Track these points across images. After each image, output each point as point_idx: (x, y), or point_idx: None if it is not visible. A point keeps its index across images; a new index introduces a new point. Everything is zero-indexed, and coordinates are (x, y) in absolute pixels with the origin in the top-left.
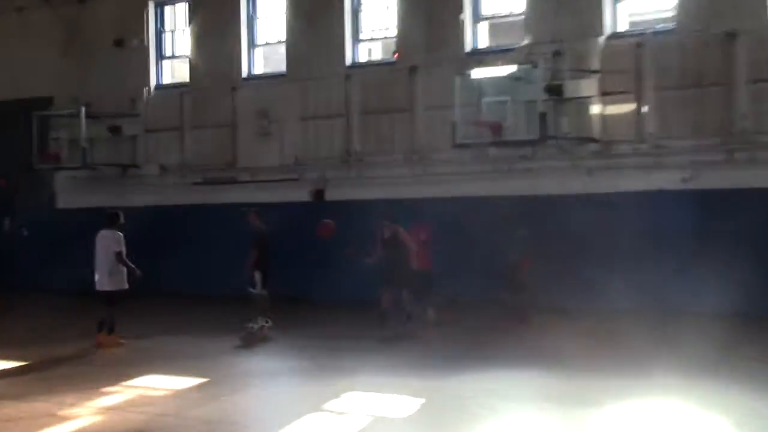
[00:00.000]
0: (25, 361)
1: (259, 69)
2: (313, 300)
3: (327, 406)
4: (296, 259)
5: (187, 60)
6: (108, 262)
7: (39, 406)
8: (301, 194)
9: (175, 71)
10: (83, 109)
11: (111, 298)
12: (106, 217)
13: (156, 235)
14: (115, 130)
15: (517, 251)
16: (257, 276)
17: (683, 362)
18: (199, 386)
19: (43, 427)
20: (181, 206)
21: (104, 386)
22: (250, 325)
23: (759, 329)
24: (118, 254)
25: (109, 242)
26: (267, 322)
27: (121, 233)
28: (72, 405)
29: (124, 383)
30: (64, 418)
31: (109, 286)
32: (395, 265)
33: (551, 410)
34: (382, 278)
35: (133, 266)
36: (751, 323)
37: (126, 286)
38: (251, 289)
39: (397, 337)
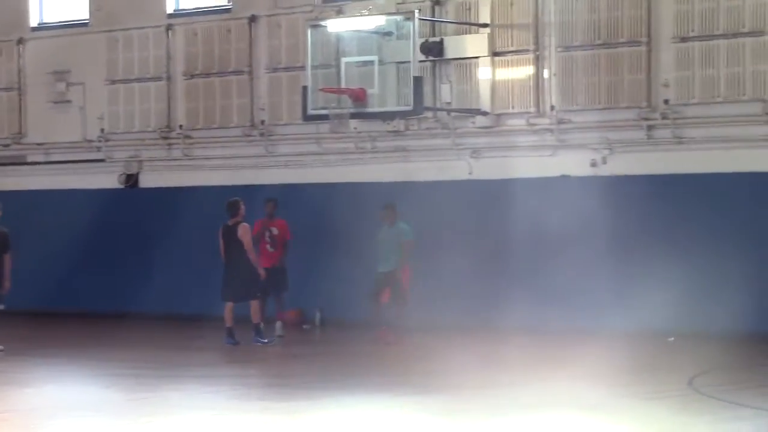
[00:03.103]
0: None
1: (53, 16)
2: (130, 314)
3: None
4: (103, 263)
5: None
6: None
7: None
8: (108, 179)
9: None
10: None
11: None
12: None
13: None
14: None
15: (395, 258)
16: None
17: None
18: None
19: None
20: None
21: None
22: None
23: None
24: None
25: None
26: None
27: None
28: None
29: None
30: None
31: None
32: (235, 272)
33: None
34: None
35: None
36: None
37: None
38: None
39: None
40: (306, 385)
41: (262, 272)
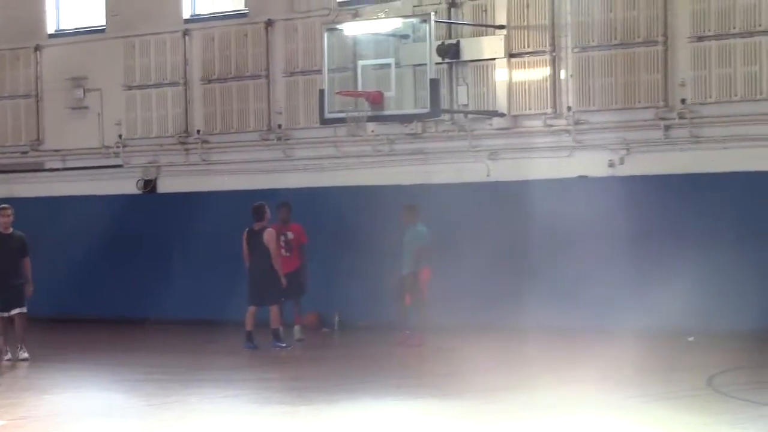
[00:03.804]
0: None
1: (70, 22)
2: (149, 319)
3: None
4: (122, 269)
5: None
6: None
7: None
8: (126, 185)
9: None
10: None
11: None
12: None
13: None
14: None
15: (413, 259)
16: None
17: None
18: None
19: None
20: None
21: None
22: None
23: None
24: None
25: None
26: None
27: None
28: None
29: None
30: None
31: None
32: (259, 276)
33: None
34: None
35: None
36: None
37: None
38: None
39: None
40: (326, 388)
41: (283, 280)
